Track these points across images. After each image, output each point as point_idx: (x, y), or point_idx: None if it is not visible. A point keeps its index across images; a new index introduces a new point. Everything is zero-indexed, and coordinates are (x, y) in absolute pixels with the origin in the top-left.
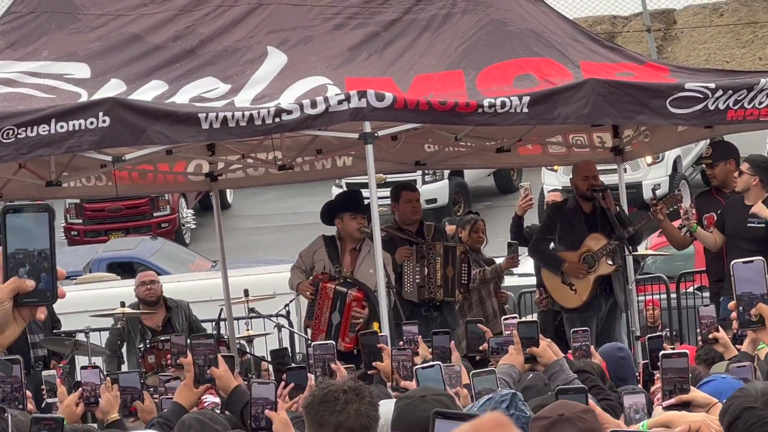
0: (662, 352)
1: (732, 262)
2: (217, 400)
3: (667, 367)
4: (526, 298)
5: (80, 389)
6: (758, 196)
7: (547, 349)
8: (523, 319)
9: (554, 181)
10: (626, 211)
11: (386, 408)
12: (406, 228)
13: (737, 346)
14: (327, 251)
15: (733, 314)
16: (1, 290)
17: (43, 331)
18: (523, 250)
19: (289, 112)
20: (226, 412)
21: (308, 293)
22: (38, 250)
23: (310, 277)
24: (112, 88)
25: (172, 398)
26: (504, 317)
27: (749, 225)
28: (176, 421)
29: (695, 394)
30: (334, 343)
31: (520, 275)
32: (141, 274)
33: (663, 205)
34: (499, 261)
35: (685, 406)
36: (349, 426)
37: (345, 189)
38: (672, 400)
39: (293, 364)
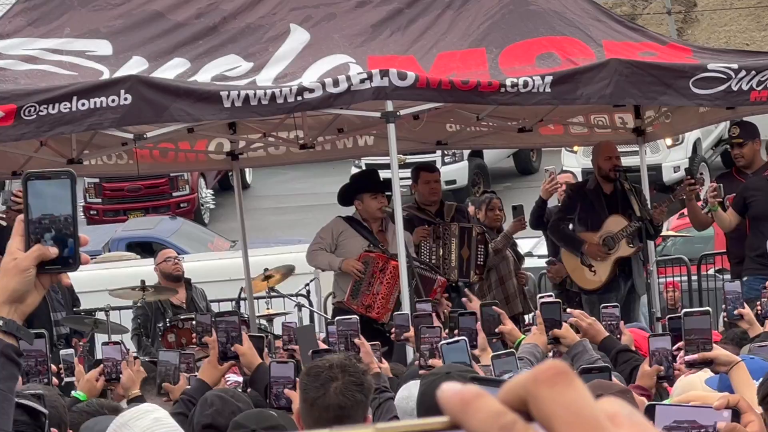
0: (684, 310)
1: None
2: (240, 379)
3: (689, 328)
4: (547, 279)
5: (101, 365)
6: None
7: (570, 330)
8: (547, 300)
9: (574, 162)
10: (647, 193)
11: (413, 389)
12: (426, 208)
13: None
14: (357, 231)
15: None
16: (26, 258)
17: (65, 309)
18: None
19: (311, 91)
20: (249, 390)
21: (356, 269)
22: (63, 215)
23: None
24: (134, 66)
25: None
26: (540, 295)
27: None
28: (200, 398)
29: (718, 351)
30: (357, 318)
31: (540, 257)
32: (163, 251)
33: (697, 186)
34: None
35: (708, 364)
36: (324, 404)
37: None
38: (695, 356)
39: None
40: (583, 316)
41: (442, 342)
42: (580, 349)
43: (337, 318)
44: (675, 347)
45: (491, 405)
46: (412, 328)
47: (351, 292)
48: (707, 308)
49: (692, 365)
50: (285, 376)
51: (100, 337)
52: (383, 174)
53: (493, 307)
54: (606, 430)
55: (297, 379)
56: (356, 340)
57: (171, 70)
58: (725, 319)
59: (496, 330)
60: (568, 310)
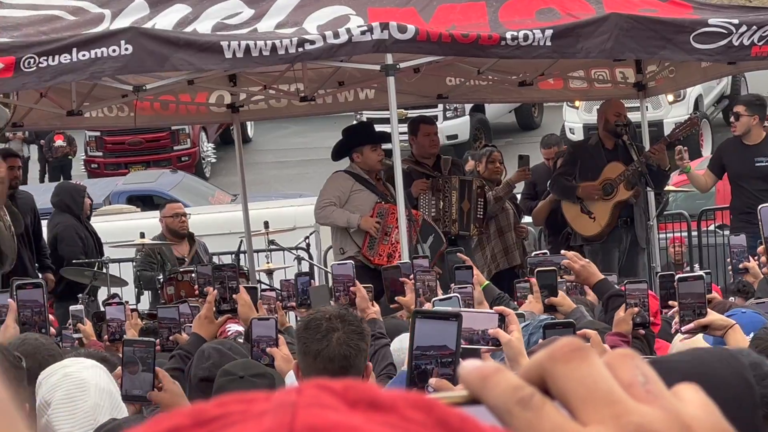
0: (678, 276)
1: (759, 207)
2: (241, 329)
3: (684, 292)
4: (546, 235)
5: (106, 325)
6: (759, 134)
7: (566, 297)
8: (543, 267)
9: (575, 118)
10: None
11: (405, 341)
12: (424, 161)
13: None
14: (363, 185)
15: (763, 258)
16: None
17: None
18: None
19: (312, 42)
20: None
21: (375, 226)
22: None
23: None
24: (135, 10)
25: None
26: (534, 253)
27: (758, 164)
28: (195, 352)
29: (713, 317)
30: (353, 263)
31: None
32: (171, 205)
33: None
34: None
35: (704, 329)
36: (327, 355)
37: None
38: (691, 325)
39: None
40: (576, 258)
41: (435, 299)
42: (577, 315)
43: (333, 263)
44: (670, 312)
45: (510, 379)
46: (410, 282)
47: (368, 243)
48: (701, 273)
49: (689, 332)
50: (267, 335)
51: (101, 290)
52: (384, 128)
53: (458, 254)
54: (621, 402)
55: (278, 336)
56: (352, 288)
57: (172, 15)
58: (730, 272)
59: None
60: (562, 252)
